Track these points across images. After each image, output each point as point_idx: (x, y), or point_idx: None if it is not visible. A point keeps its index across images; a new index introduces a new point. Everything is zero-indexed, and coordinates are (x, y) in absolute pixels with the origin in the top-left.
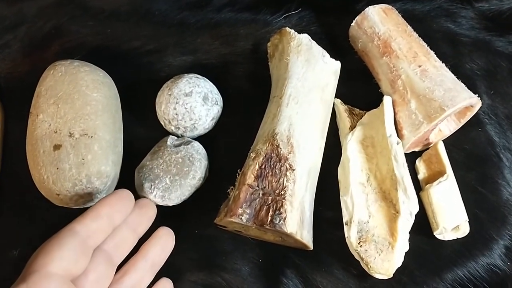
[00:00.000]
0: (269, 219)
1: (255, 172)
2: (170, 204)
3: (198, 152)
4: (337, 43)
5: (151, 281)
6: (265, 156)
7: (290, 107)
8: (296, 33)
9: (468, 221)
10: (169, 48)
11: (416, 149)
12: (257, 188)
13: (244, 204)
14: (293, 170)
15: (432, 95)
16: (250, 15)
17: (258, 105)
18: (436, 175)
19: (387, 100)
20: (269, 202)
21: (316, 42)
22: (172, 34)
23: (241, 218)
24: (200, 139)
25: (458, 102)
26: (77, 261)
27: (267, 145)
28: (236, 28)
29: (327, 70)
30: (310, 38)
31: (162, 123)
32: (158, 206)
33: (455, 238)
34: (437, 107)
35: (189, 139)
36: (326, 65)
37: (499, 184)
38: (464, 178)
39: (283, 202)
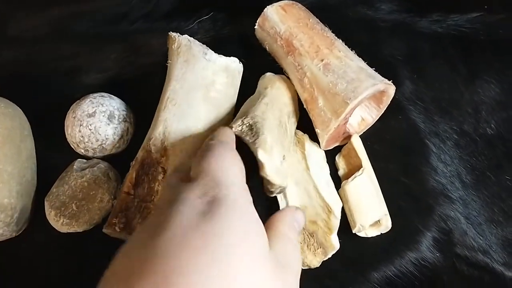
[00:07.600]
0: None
1: (133, 180)
2: (80, 230)
3: (105, 174)
4: (252, 44)
5: None
6: (141, 163)
7: (167, 110)
8: (176, 35)
9: (392, 215)
10: (83, 68)
11: (338, 144)
12: (133, 196)
13: (119, 214)
14: (165, 174)
15: (336, 89)
16: (163, 24)
17: None
18: (356, 170)
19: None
20: (142, 209)
21: (231, 45)
22: (86, 52)
23: (115, 228)
24: (117, 157)
25: (360, 92)
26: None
27: (143, 152)
28: (150, 38)
29: (211, 68)
30: (189, 38)
31: (72, 147)
32: (66, 234)
33: (379, 234)
34: (341, 101)
35: (98, 160)
36: (209, 62)
37: (424, 172)
38: (386, 170)
39: (151, 208)
